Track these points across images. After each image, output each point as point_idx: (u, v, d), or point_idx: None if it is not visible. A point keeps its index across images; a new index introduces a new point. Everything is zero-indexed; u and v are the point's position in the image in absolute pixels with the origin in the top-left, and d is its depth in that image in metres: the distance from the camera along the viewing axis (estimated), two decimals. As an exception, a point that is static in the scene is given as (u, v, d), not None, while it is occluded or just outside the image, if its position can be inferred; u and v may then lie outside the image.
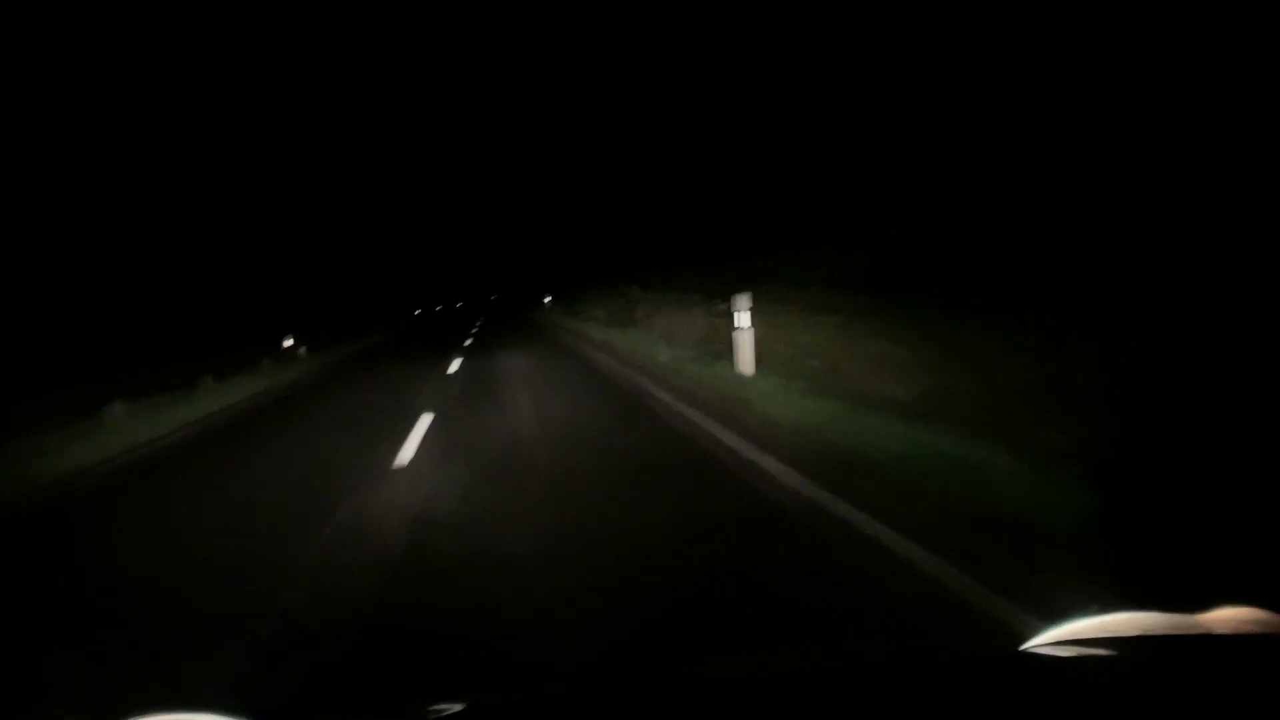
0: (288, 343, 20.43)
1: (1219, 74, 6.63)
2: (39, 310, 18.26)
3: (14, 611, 3.73)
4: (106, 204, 22.64)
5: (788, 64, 15.67)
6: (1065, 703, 1.17)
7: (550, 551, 3.73)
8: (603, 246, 35.79)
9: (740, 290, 8.74)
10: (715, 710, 1.24)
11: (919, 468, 4.43)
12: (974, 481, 4.12)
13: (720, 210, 20.20)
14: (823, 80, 13.97)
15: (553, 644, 2.66)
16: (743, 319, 8.52)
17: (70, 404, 11.18)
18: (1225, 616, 1.26)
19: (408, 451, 6.26)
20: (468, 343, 20.83)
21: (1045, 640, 1.32)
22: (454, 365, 13.76)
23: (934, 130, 10.08)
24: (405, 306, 53.31)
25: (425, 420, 7.51)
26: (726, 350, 9.46)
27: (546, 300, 37.63)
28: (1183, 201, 6.50)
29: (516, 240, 75.52)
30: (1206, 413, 4.33)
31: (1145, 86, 7.25)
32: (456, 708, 1.29)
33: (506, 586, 3.30)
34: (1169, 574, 2.84)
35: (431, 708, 1.32)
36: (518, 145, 67.30)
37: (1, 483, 7.05)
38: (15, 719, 2.85)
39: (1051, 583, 2.71)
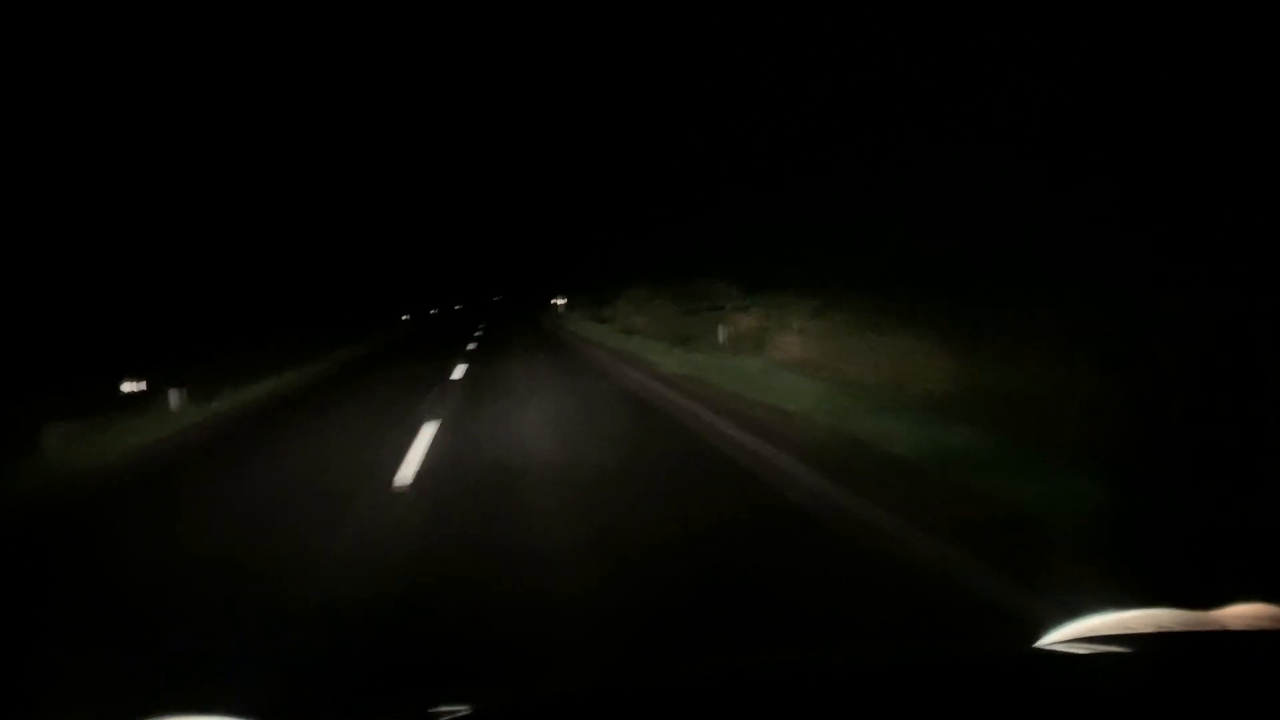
0: (132, 386, 13.72)
1: (1220, 73, 6.82)
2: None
3: None
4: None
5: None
6: (1079, 700, 1.13)
7: None
8: (619, 242, 34.24)
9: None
10: (725, 709, 1.19)
11: None
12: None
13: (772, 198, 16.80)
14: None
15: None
16: None
17: None
18: (1241, 613, 1.24)
19: None
20: (456, 374, 14.72)
21: (1059, 637, 1.32)
22: (419, 446, 7.96)
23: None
24: (392, 311, 54.36)
25: None
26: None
27: (559, 302, 37.99)
28: (1183, 202, 6.68)
29: (518, 238, 71.37)
30: (1221, 409, 4.58)
31: (1146, 84, 7.40)
32: (462, 710, 1.26)
33: None
34: (1185, 569, 2.88)
35: (435, 709, 1.28)
36: (518, 137, 68.13)
37: None
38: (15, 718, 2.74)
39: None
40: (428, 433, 8.68)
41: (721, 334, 12.38)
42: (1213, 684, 1.06)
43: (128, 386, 13.08)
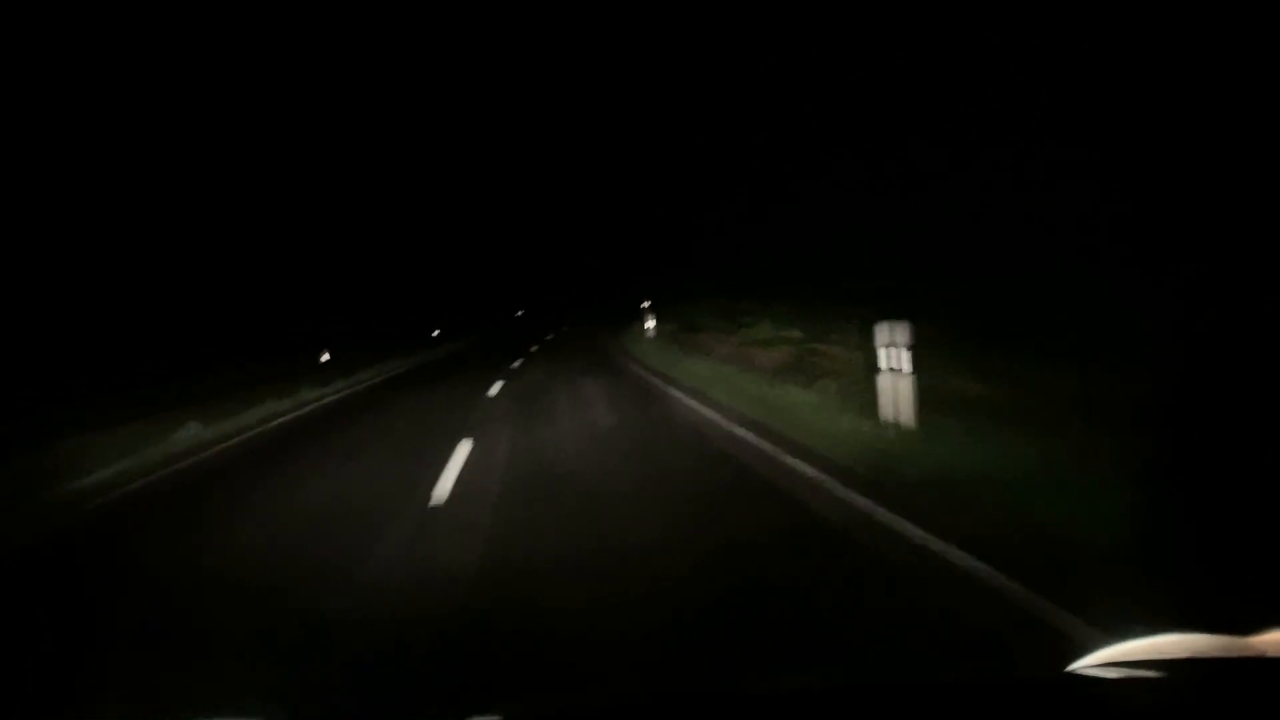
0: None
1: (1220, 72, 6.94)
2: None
3: None
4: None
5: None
6: None
7: None
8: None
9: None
10: None
11: None
12: None
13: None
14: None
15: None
16: None
17: None
18: (1278, 640, 1.18)
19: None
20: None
21: (1092, 661, 1.28)
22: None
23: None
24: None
25: None
26: None
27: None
28: (1188, 200, 6.72)
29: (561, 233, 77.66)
30: (1258, 427, 4.35)
31: (1148, 83, 7.45)
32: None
33: None
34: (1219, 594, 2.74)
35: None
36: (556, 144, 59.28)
37: None
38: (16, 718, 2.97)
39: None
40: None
41: None
42: (1249, 713, 1.02)
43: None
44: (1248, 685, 1.10)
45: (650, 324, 23.34)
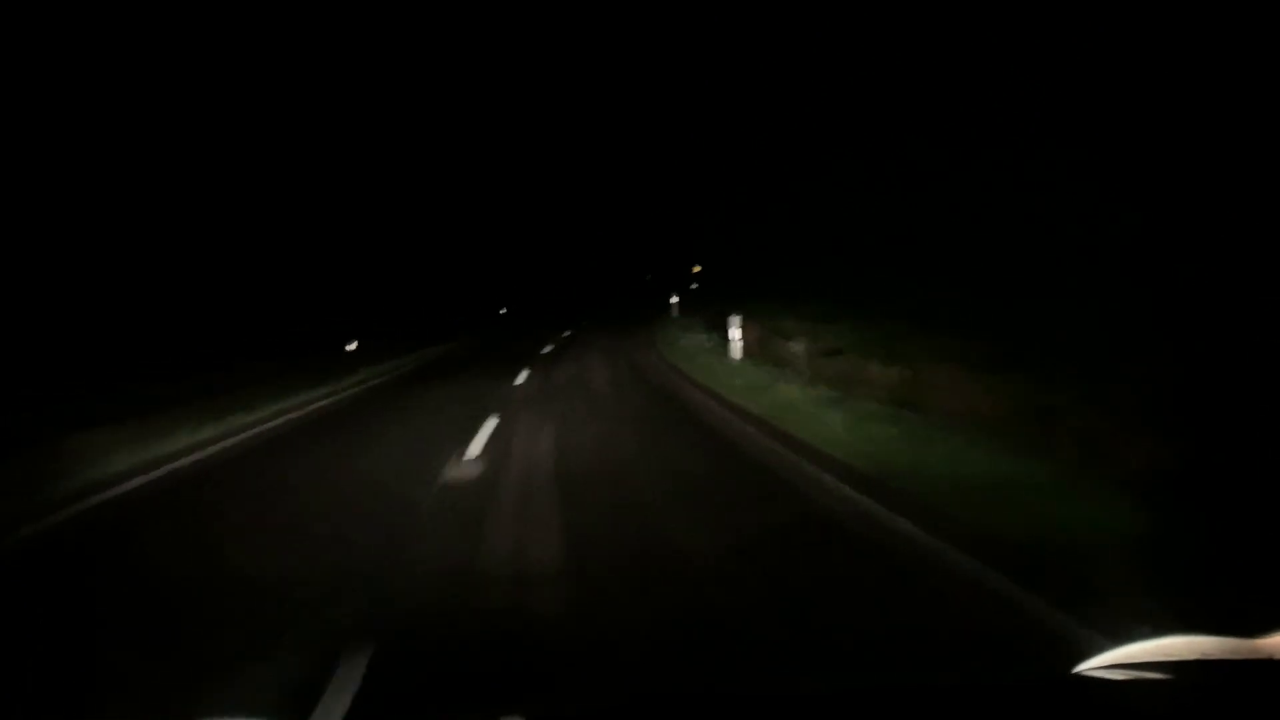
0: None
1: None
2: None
3: None
4: None
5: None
6: None
7: None
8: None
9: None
10: None
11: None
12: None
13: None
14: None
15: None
16: None
17: None
18: None
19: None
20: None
21: (1099, 663, 1.27)
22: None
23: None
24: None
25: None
26: None
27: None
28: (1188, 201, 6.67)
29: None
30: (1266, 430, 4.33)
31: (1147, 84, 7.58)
32: None
33: None
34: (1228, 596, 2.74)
35: None
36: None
37: None
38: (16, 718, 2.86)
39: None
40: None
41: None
42: (1255, 715, 1.01)
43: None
44: (1255, 687, 1.10)
45: (735, 335, 14.46)
